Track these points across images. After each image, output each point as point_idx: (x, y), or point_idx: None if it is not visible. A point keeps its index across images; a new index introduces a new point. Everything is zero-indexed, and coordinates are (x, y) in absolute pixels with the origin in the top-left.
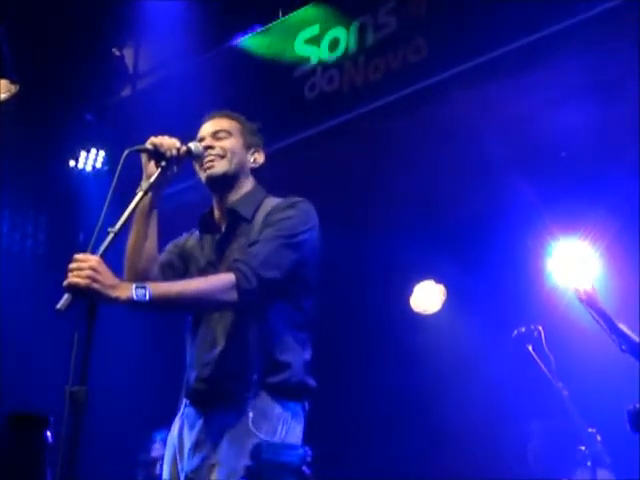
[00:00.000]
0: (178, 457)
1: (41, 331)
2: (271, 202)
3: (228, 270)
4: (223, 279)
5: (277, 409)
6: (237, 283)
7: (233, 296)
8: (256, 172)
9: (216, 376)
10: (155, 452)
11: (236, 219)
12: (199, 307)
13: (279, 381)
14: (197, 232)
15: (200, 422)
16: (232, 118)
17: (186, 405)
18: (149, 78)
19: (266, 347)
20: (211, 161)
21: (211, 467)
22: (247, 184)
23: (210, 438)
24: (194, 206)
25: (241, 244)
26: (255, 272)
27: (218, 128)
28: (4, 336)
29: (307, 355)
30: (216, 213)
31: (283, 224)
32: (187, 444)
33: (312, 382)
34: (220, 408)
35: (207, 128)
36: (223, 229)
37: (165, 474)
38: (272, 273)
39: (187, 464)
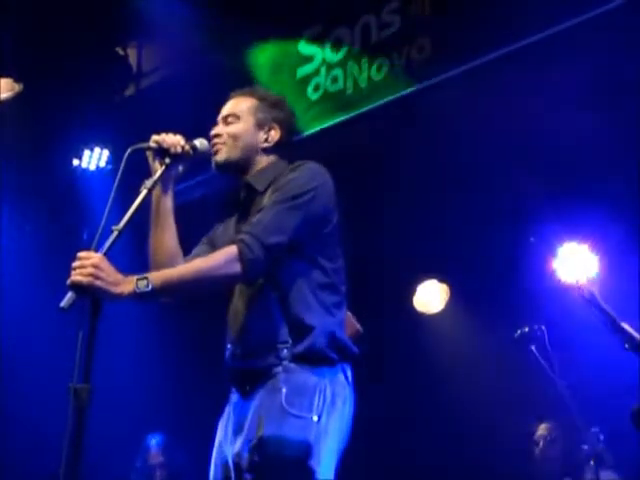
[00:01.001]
0: (223, 445)
1: (46, 329)
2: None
3: (231, 243)
4: (224, 253)
5: (311, 379)
6: (239, 254)
7: (237, 268)
8: (276, 149)
9: (244, 354)
10: (152, 459)
11: (251, 193)
12: (205, 285)
13: (305, 348)
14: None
15: (241, 405)
16: (250, 95)
17: (232, 392)
18: (153, 77)
19: (287, 312)
20: (216, 150)
21: (252, 449)
22: (262, 162)
23: (249, 420)
24: (204, 201)
25: (252, 214)
26: (257, 239)
27: (228, 112)
28: (9, 334)
29: (336, 319)
30: (240, 193)
31: (286, 187)
32: (230, 429)
33: (346, 342)
34: (257, 387)
35: (222, 112)
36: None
37: (212, 464)
38: (276, 238)
39: (231, 449)
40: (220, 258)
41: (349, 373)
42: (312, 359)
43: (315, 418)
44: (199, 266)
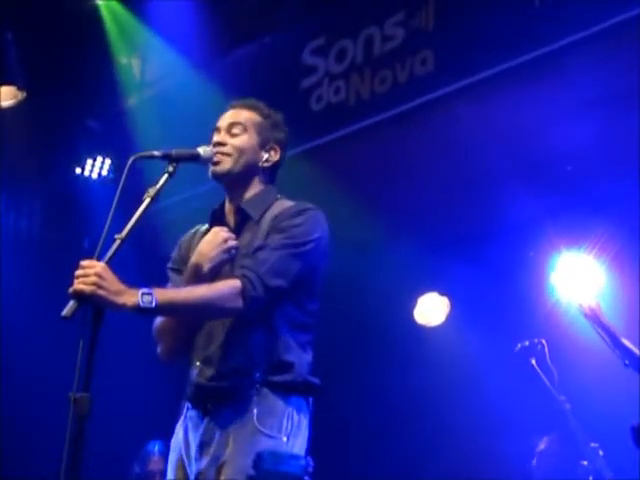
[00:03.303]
0: (186, 461)
1: (47, 337)
2: (282, 204)
3: (234, 276)
4: (229, 286)
5: (281, 405)
6: (243, 290)
7: (238, 303)
8: (272, 170)
9: (216, 373)
10: (153, 465)
11: (244, 219)
12: (205, 313)
13: (283, 380)
14: (195, 231)
15: (204, 422)
16: (254, 109)
17: (188, 408)
18: (156, 87)
19: (267, 346)
20: (219, 159)
21: (220, 467)
22: (257, 184)
23: (216, 438)
24: (201, 213)
25: (247, 241)
26: (261, 279)
27: (234, 121)
28: (10, 343)
29: (309, 357)
30: (227, 209)
31: (291, 232)
32: (193, 446)
33: (316, 380)
34: (223, 406)
35: (225, 118)
36: (232, 227)
37: (169, 476)
38: (278, 282)
39: (195, 466)
40: (224, 290)
41: (311, 401)
42: (286, 389)
43: (285, 439)
44: (204, 294)
